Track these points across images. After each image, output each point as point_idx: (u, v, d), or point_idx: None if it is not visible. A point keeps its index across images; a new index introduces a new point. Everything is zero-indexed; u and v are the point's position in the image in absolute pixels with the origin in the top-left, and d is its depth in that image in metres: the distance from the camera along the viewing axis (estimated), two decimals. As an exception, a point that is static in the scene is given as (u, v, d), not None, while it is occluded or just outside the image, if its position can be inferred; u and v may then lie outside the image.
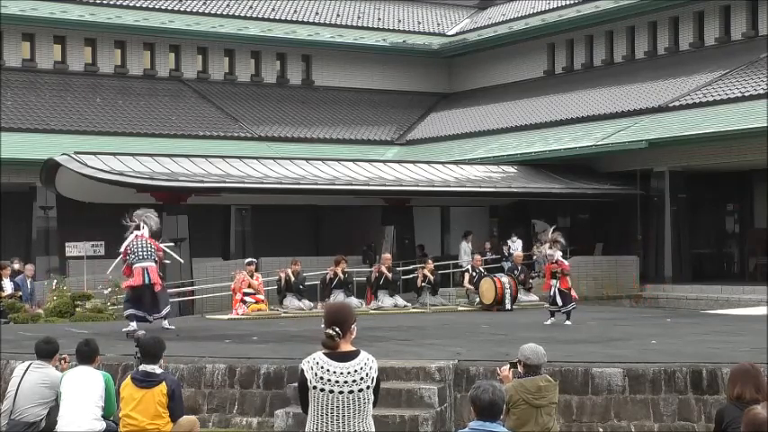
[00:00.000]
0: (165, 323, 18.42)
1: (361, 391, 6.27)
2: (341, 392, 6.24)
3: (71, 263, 29.29)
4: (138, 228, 18.42)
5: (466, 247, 31.35)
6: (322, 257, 29.77)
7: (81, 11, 38.85)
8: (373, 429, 6.39)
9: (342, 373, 6.25)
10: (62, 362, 10.70)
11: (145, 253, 18.09)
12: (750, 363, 8.02)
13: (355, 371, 6.28)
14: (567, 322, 19.46)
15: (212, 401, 13.16)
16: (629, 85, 36.37)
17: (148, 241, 18.29)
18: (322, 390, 6.24)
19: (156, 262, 18.23)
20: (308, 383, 6.27)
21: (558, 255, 20.17)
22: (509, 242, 31.36)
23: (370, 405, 6.35)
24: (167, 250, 19.61)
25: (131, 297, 18.19)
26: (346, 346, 6.34)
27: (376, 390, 6.37)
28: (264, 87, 42.44)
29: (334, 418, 6.24)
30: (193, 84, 41.04)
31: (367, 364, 6.33)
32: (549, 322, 19.70)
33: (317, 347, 6.43)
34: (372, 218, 34.27)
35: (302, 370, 6.35)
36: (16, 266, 25.88)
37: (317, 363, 6.28)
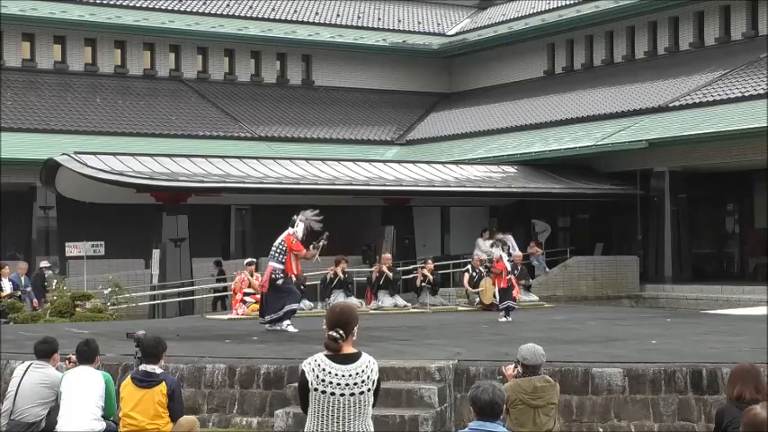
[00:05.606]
0: (268, 327, 18.25)
1: (362, 393, 6.26)
2: (342, 395, 6.22)
3: (71, 263, 29.29)
4: (292, 225, 18.94)
5: (482, 243, 31.23)
6: (322, 257, 29.68)
7: (81, 11, 38.83)
8: (372, 430, 6.38)
9: (343, 376, 6.23)
10: (66, 362, 10.69)
11: (273, 251, 18.61)
12: (750, 363, 8.03)
13: (357, 373, 6.26)
14: (502, 318, 20.21)
15: (212, 401, 13.15)
16: (629, 85, 36.36)
17: (283, 240, 18.64)
18: (323, 392, 6.22)
19: (280, 263, 18.38)
20: (309, 385, 6.25)
21: (498, 254, 20.58)
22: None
23: (370, 407, 6.35)
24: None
25: None
26: (348, 348, 6.32)
27: (376, 392, 6.37)
28: (264, 87, 42.43)
29: (335, 419, 6.23)
30: (193, 84, 41.03)
31: (368, 366, 6.32)
32: (502, 320, 20.24)
33: (317, 347, 6.41)
34: (372, 218, 34.24)
35: (303, 371, 6.33)
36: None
37: (319, 365, 6.26)
